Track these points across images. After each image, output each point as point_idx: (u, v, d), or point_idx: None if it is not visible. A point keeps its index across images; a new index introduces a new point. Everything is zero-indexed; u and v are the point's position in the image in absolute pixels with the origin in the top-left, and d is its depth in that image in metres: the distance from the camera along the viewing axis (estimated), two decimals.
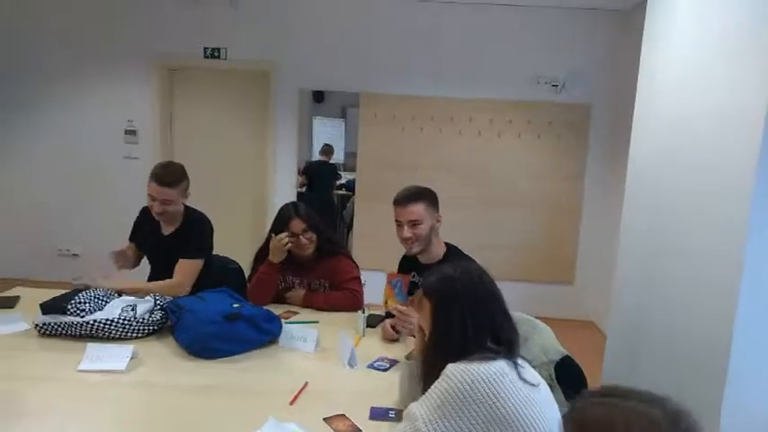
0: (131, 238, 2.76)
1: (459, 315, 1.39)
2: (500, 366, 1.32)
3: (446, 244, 2.31)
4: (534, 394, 1.33)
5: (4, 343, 2.00)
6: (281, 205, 2.65)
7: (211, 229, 2.67)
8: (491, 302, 1.45)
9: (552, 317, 2.45)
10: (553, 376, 1.98)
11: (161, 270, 2.62)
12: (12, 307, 2.34)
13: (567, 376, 1.98)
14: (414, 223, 2.21)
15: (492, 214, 5.05)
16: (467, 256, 2.26)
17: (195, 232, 2.60)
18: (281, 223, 2.53)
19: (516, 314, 2.28)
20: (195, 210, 2.67)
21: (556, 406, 1.42)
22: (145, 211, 2.68)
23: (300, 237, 2.50)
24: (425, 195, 2.25)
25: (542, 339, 2.13)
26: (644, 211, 2.58)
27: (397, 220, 2.25)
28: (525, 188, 5.07)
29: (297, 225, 2.50)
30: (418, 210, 2.21)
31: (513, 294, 2.25)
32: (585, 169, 5.03)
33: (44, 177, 5.29)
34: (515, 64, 4.95)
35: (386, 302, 2.16)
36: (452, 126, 5.04)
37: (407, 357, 1.64)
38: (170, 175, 2.51)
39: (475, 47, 4.96)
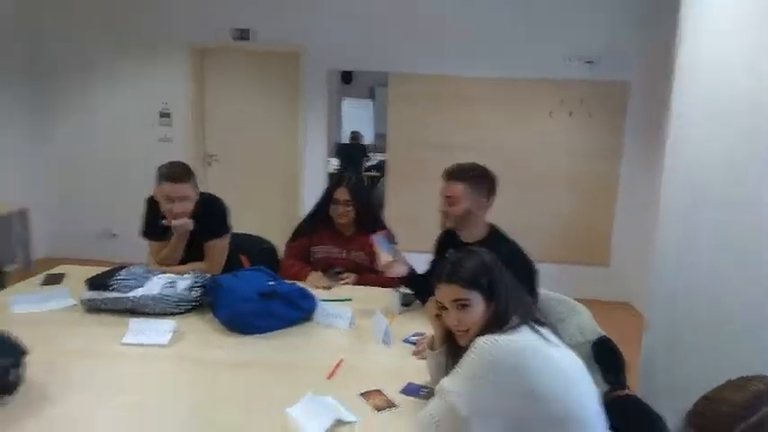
0: (148, 235, 2.63)
1: (504, 296, 1.44)
2: (529, 337, 1.34)
3: (489, 225, 2.25)
4: (566, 368, 1.33)
5: (53, 317, 2.08)
6: (311, 186, 2.71)
7: (226, 206, 2.66)
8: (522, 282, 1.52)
9: (588, 298, 2.41)
10: (591, 356, 1.96)
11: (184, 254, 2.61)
12: (59, 283, 2.43)
13: (605, 357, 1.96)
14: (449, 200, 2.18)
15: (524, 195, 4.97)
16: (508, 238, 2.22)
17: (214, 213, 2.60)
18: (329, 188, 2.73)
19: (553, 294, 2.28)
20: (205, 192, 2.62)
21: (590, 380, 1.41)
22: (152, 201, 2.58)
23: (340, 206, 2.63)
24: (471, 178, 2.19)
25: (579, 320, 2.11)
26: (684, 189, 2.50)
27: (441, 190, 2.24)
28: (558, 168, 4.97)
29: (340, 193, 2.64)
30: (455, 189, 2.17)
31: (547, 276, 2.24)
32: (622, 148, 4.90)
33: (85, 160, 5.43)
34: (547, 40, 4.82)
35: (380, 260, 2.21)
36: (483, 105, 4.96)
37: (431, 347, 1.63)
38: (180, 171, 2.45)
39: (506, 23, 4.85)
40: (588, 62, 4.79)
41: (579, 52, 4.79)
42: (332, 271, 2.70)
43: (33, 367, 1.55)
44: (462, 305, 1.44)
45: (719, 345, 2.10)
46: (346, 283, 2.60)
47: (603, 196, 4.97)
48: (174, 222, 2.45)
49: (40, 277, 2.50)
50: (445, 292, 1.47)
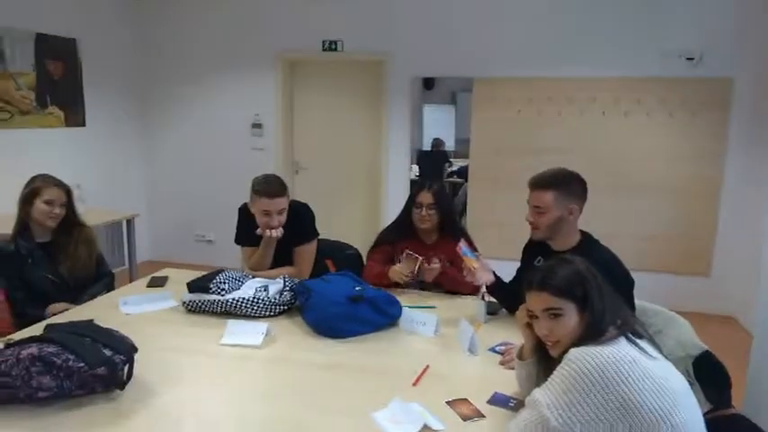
0: (241, 241, 2.77)
1: (600, 307, 1.38)
2: (626, 349, 1.29)
3: (581, 232, 2.16)
4: (665, 380, 1.26)
5: (157, 317, 2.25)
6: (393, 193, 2.73)
7: (313, 213, 2.78)
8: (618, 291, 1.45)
9: (686, 311, 2.25)
10: (691, 372, 1.85)
11: (274, 259, 2.72)
12: (162, 286, 2.62)
13: (707, 373, 1.84)
14: (537, 210, 2.10)
15: (619, 201, 4.75)
16: (603, 246, 2.12)
17: (303, 219, 2.71)
18: (412, 193, 2.74)
19: (648, 305, 2.17)
20: (294, 200, 2.71)
21: (692, 394, 1.33)
22: (245, 210, 2.72)
23: (423, 209, 2.63)
24: (559, 184, 2.09)
25: (679, 333, 1.99)
26: None
27: (528, 201, 2.17)
28: (656, 172, 4.70)
29: (424, 197, 2.65)
30: (543, 198, 2.08)
31: (642, 286, 2.12)
32: (726, 150, 4.56)
33: (183, 169, 5.82)
34: (643, 36, 4.58)
35: (468, 269, 2.24)
36: (573, 107, 4.80)
37: (520, 357, 1.59)
38: (277, 186, 2.55)
39: (597, 19, 4.66)
40: (689, 59, 4.50)
41: (680, 47, 4.52)
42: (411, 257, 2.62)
43: (141, 363, 1.67)
44: (554, 314, 1.39)
45: None
46: (432, 268, 2.54)
47: (705, 201, 4.65)
48: (272, 233, 2.56)
49: (146, 279, 2.70)
50: (536, 301, 1.43)
